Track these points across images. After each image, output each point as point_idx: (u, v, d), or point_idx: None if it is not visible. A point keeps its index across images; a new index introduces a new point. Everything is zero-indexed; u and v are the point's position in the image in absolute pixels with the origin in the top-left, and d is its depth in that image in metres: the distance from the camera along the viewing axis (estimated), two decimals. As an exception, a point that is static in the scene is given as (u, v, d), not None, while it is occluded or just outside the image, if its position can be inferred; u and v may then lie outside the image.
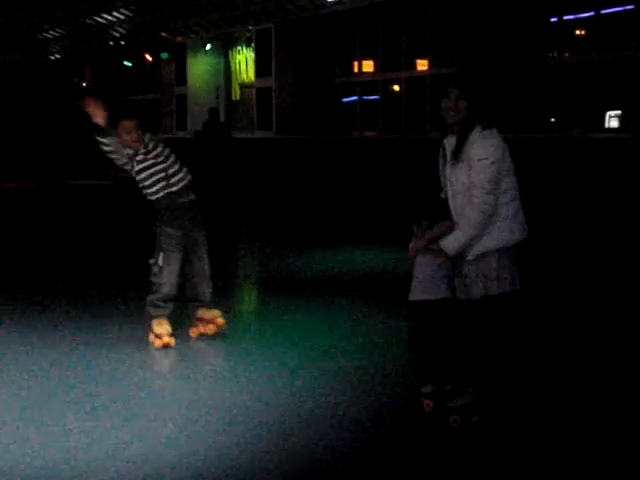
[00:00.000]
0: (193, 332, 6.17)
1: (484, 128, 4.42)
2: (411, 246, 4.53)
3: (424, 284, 4.44)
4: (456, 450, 4.22)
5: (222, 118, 28.17)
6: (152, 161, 6.23)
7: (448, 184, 4.51)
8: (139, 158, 6.25)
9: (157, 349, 5.84)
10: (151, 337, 5.93)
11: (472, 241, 4.33)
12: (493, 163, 4.33)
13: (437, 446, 4.28)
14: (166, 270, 5.95)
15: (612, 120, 16.35)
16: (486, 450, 4.20)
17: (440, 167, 4.60)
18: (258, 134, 24.38)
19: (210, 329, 6.11)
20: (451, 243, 4.34)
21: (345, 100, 22.46)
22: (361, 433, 4.44)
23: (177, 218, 6.04)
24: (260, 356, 5.70)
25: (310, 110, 22.81)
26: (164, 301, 6.00)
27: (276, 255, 9.55)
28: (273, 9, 22.89)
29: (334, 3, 21.35)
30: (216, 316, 6.13)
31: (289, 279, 7.39)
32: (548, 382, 4.96)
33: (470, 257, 4.40)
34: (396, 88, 20.90)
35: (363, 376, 5.36)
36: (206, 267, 6.12)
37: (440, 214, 4.47)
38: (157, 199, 6.08)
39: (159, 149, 6.32)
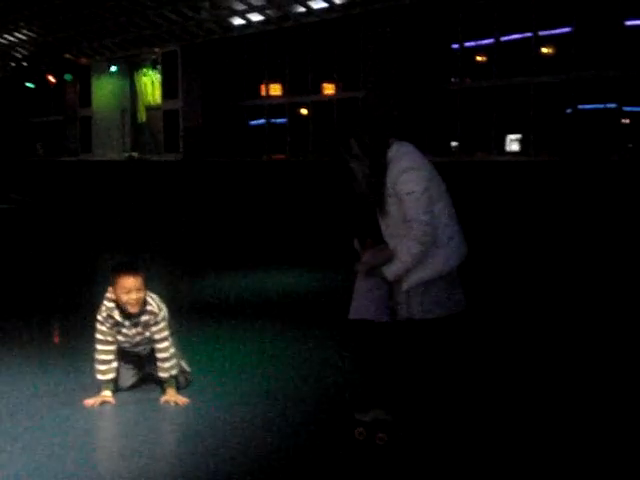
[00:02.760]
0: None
1: (398, 144, 4.36)
2: (361, 262, 4.47)
3: (364, 303, 4.44)
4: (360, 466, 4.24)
5: (128, 141, 27.88)
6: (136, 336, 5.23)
7: (380, 218, 4.45)
8: (126, 324, 5.18)
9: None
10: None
11: (412, 268, 4.31)
12: (424, 193, 4.26)
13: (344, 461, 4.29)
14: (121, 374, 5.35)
15: (512, 143, 16.85)
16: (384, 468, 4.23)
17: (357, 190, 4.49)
18: (165, 157, 24.20)
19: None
20: (391, 272, 4.32)
21: (253, 123, 22.51)
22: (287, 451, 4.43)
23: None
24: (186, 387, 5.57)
25: (218, 133, 22.77)
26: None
27: (185, 279, 9.43)
28: (179, 32, 22.82)
29: (241, 26, 21.43)
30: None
31: (203, 303, 7.31)
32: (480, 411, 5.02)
33: (405, 287, 4.37)
34: (304, 111, 21.06)
35: (289, 402, 5.34)
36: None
37: (377, 233, 4.47)
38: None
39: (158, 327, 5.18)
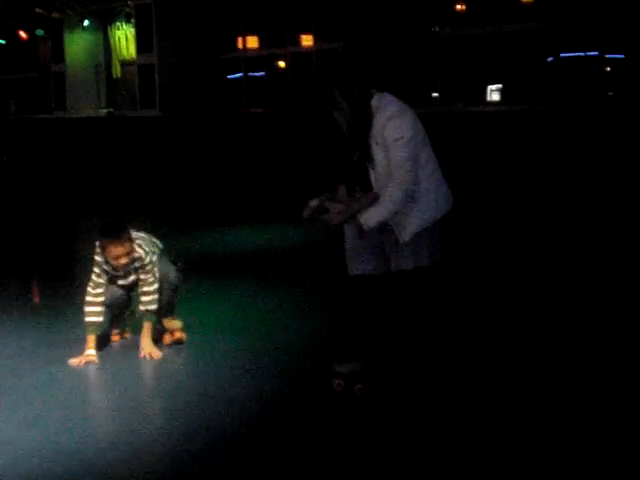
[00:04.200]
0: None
1: (379, 95, 4.31)
2: (335, 212, 4.37)
3: (364, 259, 4.42)
4: (338, 418, 4.22)
5: (103, 96, 27.48)
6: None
7: (369, 167, 4.40)
8: (119, 274, 5.37)
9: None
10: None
11: (392, 216, 4.27)
12: (410, 140, 4.24)
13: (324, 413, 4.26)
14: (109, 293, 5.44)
15: (493, 93, 16.74)
16: (365, 421, 4.20)
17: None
18: (141, 112, 23.88)
19: (166, 339, 5.60)
20: (371, 217, 4.25)
21: (230, 77, 22.21)
22: (262, 410, 4.38)
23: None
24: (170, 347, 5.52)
25: (194, 87, 22.47)
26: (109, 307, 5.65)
27: (164, 237, 9.32)
28: (153, -17, 22.41)
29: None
30: (175, 327, 5.50)
31: (183, 260, 7.23)
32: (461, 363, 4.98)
33: (407, 239, 4.34)
34: (281, 64, 20.79)
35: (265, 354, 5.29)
36: (166, 276, 5.47)
37: (367, 181, 4.39)
38: None
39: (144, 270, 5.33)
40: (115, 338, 5.63)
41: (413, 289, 4.43)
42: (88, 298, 5.30)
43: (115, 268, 5.28)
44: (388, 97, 4.36)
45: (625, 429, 4.05)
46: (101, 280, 5.31)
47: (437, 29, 17.18)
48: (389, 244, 4.43)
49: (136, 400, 4.59)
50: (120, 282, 5.40)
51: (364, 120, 4.29)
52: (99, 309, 5.29)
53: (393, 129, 4.23)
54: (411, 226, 4.32)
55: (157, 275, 5.38)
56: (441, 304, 4.78)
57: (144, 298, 5.33)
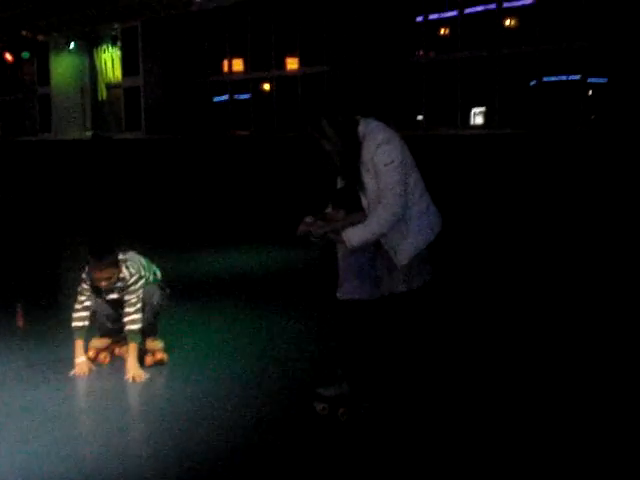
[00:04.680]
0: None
1: (364, 121, 4.35)
2: (315, 225, 4.37)
3: (356, 283, 4.41)
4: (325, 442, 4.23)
5: (89, 119, 27.49)
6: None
7: (361, 194, 4.42)
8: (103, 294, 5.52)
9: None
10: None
11: (376, 238, 4.29)
12: (399, 165, 4.26)
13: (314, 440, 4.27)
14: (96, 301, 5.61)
15: (477, 117, 16.87)
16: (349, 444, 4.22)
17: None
18: (127, 135, 23.90)
19: (148, 360, 5.55)
20: (355, 236, 4.27)
21: (216, 99, 22.28)
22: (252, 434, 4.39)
23: None
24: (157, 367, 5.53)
25: (180, 109, 22.53)
26: (107, 323, 5.67)
27: (156, 259, 9.33)
28: (139, 7, 22.47)
29: (202, 1, 21.15)
30: (156, 348, 5.59)
31: (176, 282, 7.24)
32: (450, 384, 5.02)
33: (404, 262, 4.36)
34: (266, 87, 20.89)
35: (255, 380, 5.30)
36: (150, 297, 5.55)
37: (353, 203, 4.42)
38: None
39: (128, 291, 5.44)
40: (117, 351, 5.66)
41: (405, 311, 4.45)
42: (76, 306, 5.45)
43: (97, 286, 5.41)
44: (374, 123, 4.39)
45: (625, 432, 4.09)
46: (87, 291, 5.45)
47: (421, 53, 17.33)
48: (382, 267, 4.45)
49: (121, 422, 4.59)
50: (105, 296, 5.50)
51: (353, 148, 4.32)
52: (85, 314, 5.44)
53: (383, 155, 4.26)
54: (407, 250, 4.35)
55: (140, 296, 5.45)
56: (431, 325, 4.82)
57: (126, 318, 5.40)
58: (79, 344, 5.41)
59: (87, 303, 5.47)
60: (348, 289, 4.48)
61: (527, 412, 4.56)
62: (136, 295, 5.44)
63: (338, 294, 4.51)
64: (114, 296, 5.49)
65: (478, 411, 4.60)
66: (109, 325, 5.67)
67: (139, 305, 5.44)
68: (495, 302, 7.26)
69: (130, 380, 5.27)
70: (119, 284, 5.43)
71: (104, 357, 5.62)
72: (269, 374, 5.32)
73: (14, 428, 4.48)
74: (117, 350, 5.71)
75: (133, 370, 5.31)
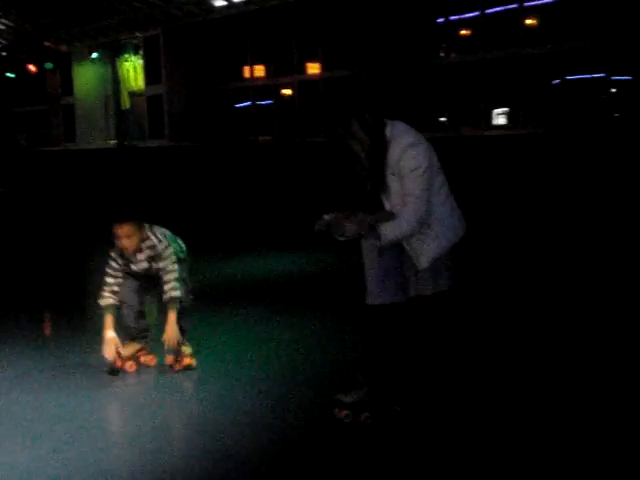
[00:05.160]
0: (167, 360, 5.75)
1: (391, 123, 4.32)
2: (348, 226, 4.33)
3: (383, 288, 4.39)
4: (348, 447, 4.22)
5: (112, 128, 27.67)
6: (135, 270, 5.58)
7: (383, 197, 4.40)
8: (132, 260, 5.55)
9: (99, 375, 5.51)
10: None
11: (404, 239, 4.28)
12: (426, 170, 4.24)
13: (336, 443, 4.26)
14: (122, 285, 5.67)
15: (500, 117, 16.80)
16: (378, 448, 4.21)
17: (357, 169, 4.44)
18: (150, 143, 24.03)
19: (176, 365, 5.54)
20: (390, 232, 4.24)
21: (238, 106, 22.35)
22: (275, 437, 4.39)
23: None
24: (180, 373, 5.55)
25: (203, 116, 22.62)
26: (130, 320, 5.61)
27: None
28: (161, 15, 22.60)
29: (223, 8, 21.23)
30: (185, 354, 5.56)
31: (203, 287, 7.26)
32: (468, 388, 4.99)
33: (425, 265, 4.34)
34: (288, 92, 20.92)
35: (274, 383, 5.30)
36: (170, 278, 5.52)
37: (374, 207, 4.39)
38: None
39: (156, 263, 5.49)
40: (142, 359, 5.67)
41: (432, 314, 4.43)
42: (103, 286, 5.53)
43: (123, 253, 5.47)
44: (401, 126, 4.36)
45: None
46: (115, 264, 5.53)
47: (443, 54, 17.28)
48: (408, 269, 4.43)
49: (150, 429, 4.60)
50: (133, 267, 5.53)
51: (380, 150, 4.29)
52: (113, 295, 5.53)
53: (409, 159, 4.23)
54: (428, 253, 4.32)
55: (175, 262, 5.50)
56: (457, 328, 4.79)
57: (166, 287, 5.44)
58: (109, 318, 5.49)
59: (115, 287, 5.53)
60: (376, 294, 4.46)
61: (553, 417, 4.53)
62: (170, 261, 5.49)
63: (367, 300, 4.48)
64: (144, 265, 5.51)
65: (501, 415, 4.57)
66: (135, 313, 5.62)
67: (176, 273, 5.47)
68: (519, 305, 7.22)
69: (164, 342, 5.36)
70: (148, 251, 5.48)
71: (130, 365, 5.63)
72: (296, 380, 5.31)
73: (47, 437, 4.50)
74: (142, 358, 5.72)
75: (170, 333, 5.38)
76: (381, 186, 4.35)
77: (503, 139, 14.71)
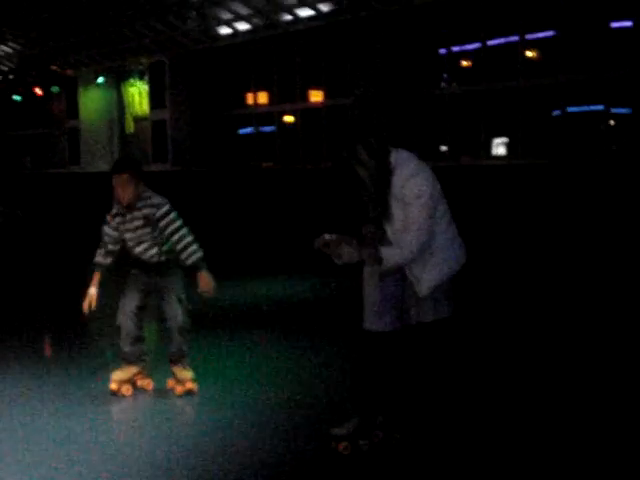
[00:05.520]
0: (169, 383, 5.70)
1: (395, 151, 4.36)
2: (346, 252, 4.38)
3: (378, 314, 4.40)
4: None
5: (116, 151, 27.87)
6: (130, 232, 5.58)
7: (385, 224, 4.42)
8: (127, 217, 5.58)
9: (111, 396, 5.55)
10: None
11: (406, 264, 4.29)
12: (429, 198, 4.25)
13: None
14: (119, 309, 5.65)
15: (499, 147, 16.95)
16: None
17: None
18: (154, 167, 24.19)
19: (178, 389, 5.60)
20: (391, 257, 4.25)
21: (241, 132, 22.53)
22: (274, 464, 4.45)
23: (141, 263, 5.63)
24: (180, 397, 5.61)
25: (206, 142, 22.79)
26: (127, 344, 5.61)
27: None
28: (166, 42, 22.85)
29: (228, 36, 21.47)
30: (187, 378, 5.60)
31: (205, 312, 7.33)
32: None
33: (425, 292, 4.35)
34: (290, 119, 21.10)
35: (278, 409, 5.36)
36: (174, 319, 5.57)
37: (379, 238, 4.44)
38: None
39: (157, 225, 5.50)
40: (139, 383, 5.67)
41: (432, 341, 4.44)
42: (99, 248, 5.65)
43: (122, 211, 5.50)
44: (405, 153, 4.39)
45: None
46: (108, 228, 5.61)
47: (444, 85, 17.47)
48: (409, 296, 4.44)
49: (152, 453, 4.65)
50: (127, 233, 5.53)
51: (384, 176, 4.33)
52: (108, 255, 5.63)
53: (413, 187, 4.24)
54: (430, 280, 4.32)
55: (184, 227, 5.50)
56: (457, 356, 4.80)
57: (185, 253, 5.47)
58: (96, 276, 5.63)
59: (110, 246, 5.63)
60: (373, 320, 4.49)
61: (557, 448, 4.59)
62: (179, 224, 5.50)
63: (364, 325, 4.51)
64: (139, 223, 5.50)
65: (501, 443, 4.64)
66: (132, 338, 5.60)
67: (190, 236, 5.49)
68: (518, 333, 7.30)
69: (201, 291, 5.44)
70: (146, 210, 5.48)
71: (126, 389, 5.63)
72: (298, 405, 5.36)
73: (47, 463, 4.54)
74: (139, 382, 5.73)
75: (205, 281, 5.44)
76: (385, 212, 4.38)
77: (502, 169, 14.84)
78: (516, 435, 4.70)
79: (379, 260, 4.29)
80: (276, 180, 18.50)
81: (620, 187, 11.72)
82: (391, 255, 4.26)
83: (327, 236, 4.37)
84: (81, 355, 6.65)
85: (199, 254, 5.50)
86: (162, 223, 5.49)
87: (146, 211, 5.51)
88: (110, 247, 5.66)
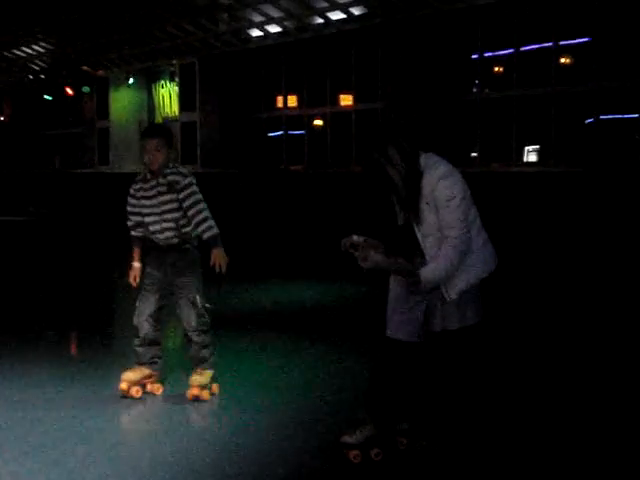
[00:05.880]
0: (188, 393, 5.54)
1: (425, 155, 4.31)
2: (373, 258, 4.31)
3: (401, 322, 4.32)
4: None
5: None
6: (145, 200, 5.55)
7: (416, 227, 4.36)
8: (151, 183, 5.56)
9: (122, 400, 5.50)
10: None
11: (448, 277, 4.21)
12: (463, 199, 4.24)
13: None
14: (137, 310, 5.61)
15: (530, 154, 16.77)
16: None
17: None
18: (183, 168, 24.21)
19: (188, 393, 5.50)
20: (430, 274, 4.18)
21: (270, 134, 22.50)
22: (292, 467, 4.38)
23: (156, 258, 5.58)
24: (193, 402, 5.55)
25: (235, 144, 22.78)
26: (141, 346, 5.58)
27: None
28: (197, 43, 22.87)
29: (259, 38, 21.44)
30: (195, 384, 5.45)
31: (230, 314, 7.30)
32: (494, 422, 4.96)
33: (454, 296, 4.29)
34: (320, 123, 21.04)
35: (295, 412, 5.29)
36: (187, 322, 5.46)
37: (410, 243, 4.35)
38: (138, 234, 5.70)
39: (169, 196, 5.46)
40: (149, 387, 5.61)
41: (459, 348, 4.38)
42: (128, 222, 5.64)
43: (147, 177, 5.45)
44: (434, 157, 4.37)
45: None
46: (132, 201, 5.59)
47: (476, 90, 17.32)
48: (434, 303, 4.37)
49: (169, 454, 4.61)
50: (146, 203, 5.48)
51: (415, 178, 4.27)
52: (138, 227, 5.62)
53: (444, 189, 4.21)
54: (458, 284, 4.27)
55: (202, 201, 5.46)
56: (484, 364, 4.76)
57: (200, 229, 5.42)
58: (136, 251, 5.60)
59: (133, 218, 5.61)
60: (397, 328, 4.40)
61: (578, 449, 4.49)
62: (198, 197, 5.45)
63: (387, 332, 4.44)
64: (162, 188, 5.43)
65: (524, 451, 4.53)
66: (148, 340, 5.52)
67: (207, 212, 5.45)
68: (549, 341, 7.17)
69: (214, 265, 5.36)
70: (170, 177, 5.43)
71: (136, 391, 5.55)
72: (317, 410, 5.30)
73: (67, 462, 4.51)
74: (149, 386, 5.64)
75: (218, 256, 5.37)
76: (416, 215, 4.32)
77: (534, 176, 14.67)
78: (536, 443, 4.60)
79: (418, 281, 4.22)
80: (304, 183, 18.43)
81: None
82: (430, 273, 4.18)
83: (355, 237, 4.32)
84: (105, 355, 6.61)
85: (215, 230, 5.44)
86: (184, 193, 5.43)
87: (171, 178, 5.46)
88: (133, 218, 5.64)
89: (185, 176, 5.47)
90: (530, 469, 4.30)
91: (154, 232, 5.52)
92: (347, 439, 4.44)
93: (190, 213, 5.42)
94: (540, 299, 9.30)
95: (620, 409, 5.27)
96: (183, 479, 4.26)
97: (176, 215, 5.46)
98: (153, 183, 5.49)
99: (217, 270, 5.40)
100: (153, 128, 5.79)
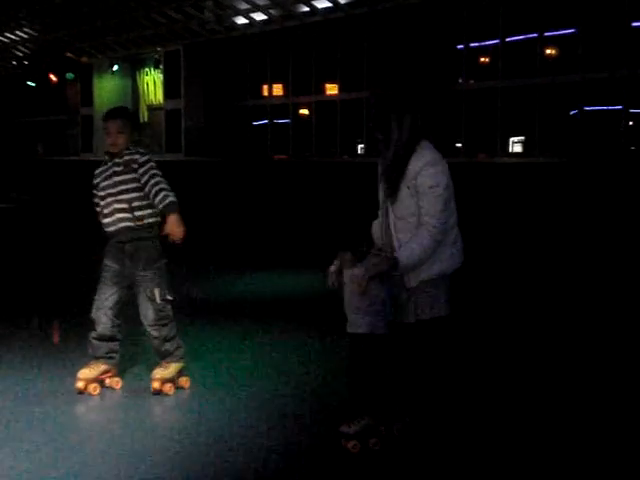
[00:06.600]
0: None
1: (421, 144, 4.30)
2: (332, 270, 4.36)
3: (367, 318, 4.27)
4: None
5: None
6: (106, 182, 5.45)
7: (387, 209, 4.33)
8: (109, 164, 5.47)
9: (78, 395, 5.38)
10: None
11: (421, 263, 4.19)
12: (445, 189, 4.21)
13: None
14: (94, 303, 5.41)
15: (515, 145, 16.79)
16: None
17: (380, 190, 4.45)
18: (167, 156, 24.12)
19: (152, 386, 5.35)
20: (405, 258, 4.15)
21: (255, 123, 22.43)
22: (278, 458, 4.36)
23: (114, 249, 5.39)
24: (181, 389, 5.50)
25: (220, 132, 22.71)
26: (97, 339, 5.40)
27: (188, 280, 9.35)
28: (182, 31, 22.76)
29: (245, 26, 21.36)
30: (156, 377, 5.30)
31: (211, 304, 7.22)
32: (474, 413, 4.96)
33: (413, 284, 4.26)
34: (305, 112, 20.99)
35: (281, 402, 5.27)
36: (145, 317, 5.31)
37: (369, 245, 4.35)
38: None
39: (125, 176, 5.37)
40: (108, 382, 5.43)
41: (430, 339, 4.36)
42: (98, 211, 5.54)
43: (106, 159, 5.41)
44: (425, 143, 4.34)
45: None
46: (96, 192, 5.50)
47: (461, 81, 17.32)
48: (400, 294, 4.32)
49: (139, 446, 4.56)
50: (104, 184, 5.41)
51: (403, 158, 4.25)
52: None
53: (428, 177, 4.18)
54: (421, 274, 4.24)
55: (159, 175, 5.38)
56: (455, 356, 4.73)
57: (157, 199, 5.30)
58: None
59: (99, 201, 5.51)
60: (360, 323, 4.33)
61: (555, 445, 4.49)
62: (155, 172, 5.38)
63: (349, 329, 4.37)
64: (118, 168, 5.37)
65: (501, 440, 4.54)
66: (105, 334, 5.39)
67: (164, 183, 5.36)
68: (533, 332, 7.17)
69: (167, 234, 5.26)
70: (127, 157, 5.37)
71: (93, 388, 5.39)
72: (297, 401, 5.27)
73: (42, 451, 4.47)
74: (108, 381, 5.48)
75: (173, 224, 5.26)
76: (394, 194, 4.29)
77: (518, 167, 14.68)
78: (514, 432, 4.61)
79: (394, 264, 4.18)
80: (289, 172, 18.39)
81: (637, 188, 11.57)
82: (405, 258, 4.16)
83: (332, 267, 4.34)
84: (73, 345, 6.53)
85: (172, 198, 5.33)
86: (142, 169, 5.36)
87: (128, 157, 5.39)
88: (99, 203, 5.53)
89: (143, 154, 5.42)
90: (505, 458, 4.31)
91: (106, 215, 5.41)
92: (345, 429, 4.42)
93: (148, 189, 5.30)
94: (524, 289, 9.31)
95: (592, 394, 5.29)
96: (158, 473, 4.24)
97: (132, 195, 5.31)
98: (110, 164, 5.42)
99: (170, 240, 5.27)
100: (116, 110, 5.64)
